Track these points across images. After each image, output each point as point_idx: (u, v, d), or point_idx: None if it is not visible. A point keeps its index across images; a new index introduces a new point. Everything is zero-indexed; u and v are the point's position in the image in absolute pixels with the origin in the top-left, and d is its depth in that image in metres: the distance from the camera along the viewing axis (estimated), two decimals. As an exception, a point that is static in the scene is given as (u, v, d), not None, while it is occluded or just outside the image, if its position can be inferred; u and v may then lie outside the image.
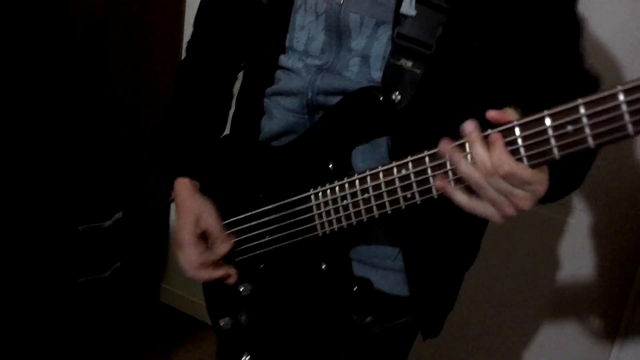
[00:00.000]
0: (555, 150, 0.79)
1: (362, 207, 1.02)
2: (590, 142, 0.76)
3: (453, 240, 1.17)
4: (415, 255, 1.13)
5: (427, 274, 1.16)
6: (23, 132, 2.00)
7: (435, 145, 0.92)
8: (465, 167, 0.86)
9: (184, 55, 1.39)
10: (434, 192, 0.93)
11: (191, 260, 1.21)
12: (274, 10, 1.16)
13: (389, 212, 0.99)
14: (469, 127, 0.86)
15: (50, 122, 2.08)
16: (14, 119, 1.96)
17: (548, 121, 0.79)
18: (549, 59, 1.02)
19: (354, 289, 1.11)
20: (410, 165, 0.94)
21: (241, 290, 1.23)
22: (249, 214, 1.19)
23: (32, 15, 1.94)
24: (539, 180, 0.84)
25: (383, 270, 1.15)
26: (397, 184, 0.96)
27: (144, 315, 2.76)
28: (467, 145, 0.86)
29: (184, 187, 1.26)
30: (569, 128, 0.77)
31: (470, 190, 0.88)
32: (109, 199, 2.38)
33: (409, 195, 0.95)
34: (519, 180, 0.82)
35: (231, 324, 1.27)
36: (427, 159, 0.92)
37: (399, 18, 1.01)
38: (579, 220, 2.00)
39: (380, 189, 0.99)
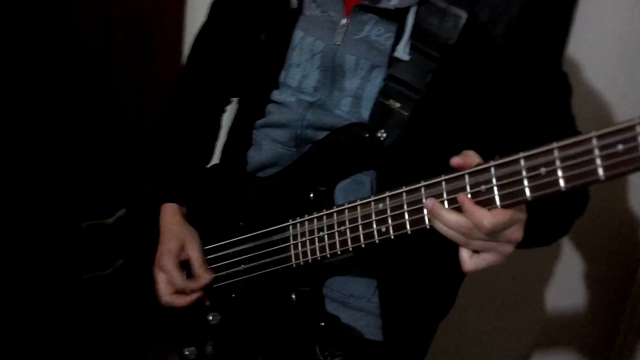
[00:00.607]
0: (527, 191, 0.79)
1: (337, 239, 1.03)
2: (562, 184, 0.76)
3: (430, 287, 1.18)
4: (392, 297, 1.14)
5: (402, 319, 1.16)
6: (27, 129, 2.01)
7: None
8: (442, 228, 0.87)
9: (184, 55, 1.40)
10: (408, 228, 0.93)
11: (170, 285, 1.22)
12: (271, 47, 1.18)
13: (363, 246, 0.99)
14: (430, 203, 0.88)
15: (53, 120, 2.09)
16: (18, 116, 1.96)
17: (522, 162, 0.79)
18: (536, 117, 1.04)
19: (321, 324, 1.10)
20: (387, 200, 0.95)
21: (210, 319, 1.22)
22: (227, 241, 1.20)
23: (36, 16, 1.94)
24: (518, 214, 0.85)
25: (356, 311, 1.16)
26: (373, 217, 0.97)
27: (146, 312, 2.76)
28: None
29: (171, 212, 1.28)
30: (542, 170, 0.77)
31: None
32: (111, 196, 2.38)
33: (383, 230, 0.96)
34: (502, 226, 0.83)
35: (196, 355, 1.26)
36: (404, 194, 0.93)
37: (392, 60, 1.04)
38: (569, 245, 1.99)
39: (357, 222, 0.99)
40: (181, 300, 1.21)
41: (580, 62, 1.74)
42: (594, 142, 0.73)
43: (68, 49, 2.07)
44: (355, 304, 1.16)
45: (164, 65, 2.41)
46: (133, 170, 2.47)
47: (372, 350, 1.17)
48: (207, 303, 1.23)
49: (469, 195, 0.85)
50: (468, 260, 0.88)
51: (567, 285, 2.05)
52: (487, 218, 0.82)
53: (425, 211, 0.91)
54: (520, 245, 0.89)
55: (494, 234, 0.84)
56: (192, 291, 1.21)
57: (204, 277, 1.20)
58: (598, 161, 0.73)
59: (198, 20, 1.41)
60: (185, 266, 1.24)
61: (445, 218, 0.86)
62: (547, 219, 0.97)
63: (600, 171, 0.73)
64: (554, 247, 2.04)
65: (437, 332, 1.26)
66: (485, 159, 1.09)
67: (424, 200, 0.91)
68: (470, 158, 0.86)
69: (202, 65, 1.36)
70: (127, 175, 2.44)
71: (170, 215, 1.28)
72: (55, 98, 2.07)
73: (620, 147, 0.71)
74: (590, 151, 0.73)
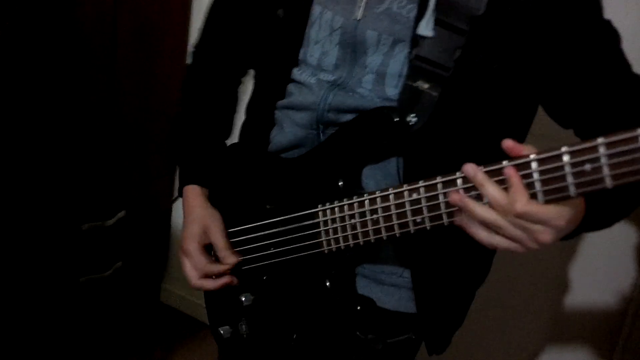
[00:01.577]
0: (572, 188, 0.77)
1: (370, 227, 1.01)
2: (608, 182, 0.74)
3: (463, 260, 1.16)
4: (424, 274, 1.12)
5: (435, 292, 1.15)
6: (27, 130, 2.00)
7: (448, 169, 0.90)
8: (481, 212, 0.84)
9: (189, 57, 1.39)
10: (445, 219, 0.91)
11: (196, 269, 1.21)
12: (289, 23, 1.15)
13: (398, 235, 0.98)
14: (471, 169, 0.85)
15: (54, 121, 2.08)
16: (19, 117, 1.95)
17: (566, 158, 0.77)
18: (590, 71, 0.99)
19: (357, 308, 1.10)
20: (422, 190, 0.93)
21: (243, 299, 1.22)
22: (255, 224, 1.19)
23: (41, 15, 1.93)
24: (556, 215, 0.81)
25: (389, 286, 1.15)
26: (407, 207, 0.95)
27: (144, 315, 2.75)
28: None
29: (194, 194, 1.27)
30: (587, 166, 0.75)
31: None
32: (112, 198, 2.37)
33: (418, 220, 0.94)
34: (533, 219, 0.81)
35: (231, 333, 1.27)
36: (439, 185, 0.91)
37: (416, 37, 1.00)
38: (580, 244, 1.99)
39: (390, 211, 0.97)
40: (210, 284, 1.21)
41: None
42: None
43: (73, 51, 2.06)
44: (387, 279, 1.14)
45: (168, 67, 2.42)
46: (134, 172, 2.46)
47: (404, 323, 1.16)
48: (236, 283, 1.22)
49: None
50: (488, 234, 0.86)
51: (571, 283, 2.06)
52: (522, 201, 0.80)
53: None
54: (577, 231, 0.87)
55: (528, 221, 0.81)
56: (219, 274, 1.20)
57: (228, 260, 1.20)
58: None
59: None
60: (211, 249, 1.24)
61: (488, 189, 0.83)
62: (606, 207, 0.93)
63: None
64: (554, 258, 2.05)
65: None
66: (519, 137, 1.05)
67: (461, 193, 0.88)
68: (523, 147, 0.82)
69: (216, 38, 1.33)
70: (128, 176, 2.43)
71: (192, 198, 1.26)
72: (57, 99, 2.06)
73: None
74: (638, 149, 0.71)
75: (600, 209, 0.90)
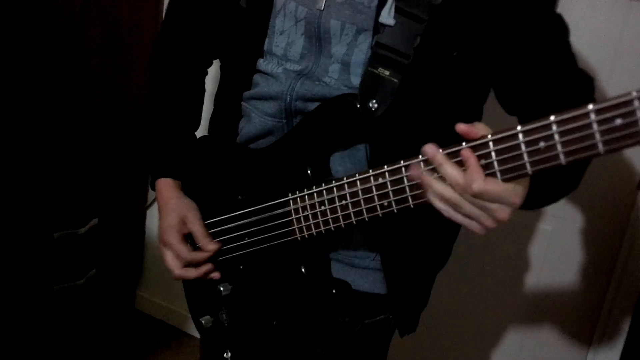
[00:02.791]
0: (528, 166, 0.80)
1: (339, 213, 1.03)
2: (562, 159, 0.77)
3: (427, 244, 1.20)
4: (392, 256, 1.15)
5: (403, 274, 1.18)
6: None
7: (413, 153, 0.92)
8: (438, 187, 0.87)
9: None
10: (410, 202, 0.94)
11: (178, 259, 1.22)
12: (253, 14, 1.16)
13: (367, 220, 1.00)
14: (430, 150, 0.87)
15: (25, 128, 2.07)
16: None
17: (521, 137, 0.80)
18: (538, 61, 1.02)
19: (333, 291, 1.12)
20: (387, 174, 0.95)
21: (221, 289, 1.24)
22: (229, 215, 1.21)
23: (11, 21, 1.93)
24: (512, 193, 0.84)
25: (363, 269, 1.17)
26: (374, 192, 0.98)
27: (120, 322, 2.74)
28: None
29: (167, 187, 1.28)
30: (541, 144, 0.78)
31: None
32: (84, 205, 2.36)
33: (385, 204, 0.97)
34: (490, 196, 0.83)
35: (212, 322, 1.28)
36: (403, 169, 0.93)
37: (378, 28, 1.02)
38: (556, 228, 2.03)
39: (358, 196, 1.00)
40: (193, 272, 1.22)
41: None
42: (592, 116, 0.74)
43: (44, 58, 2.05)
44: (360, 263, 1.17)
45: (141, 74, 2.40)
46: (107, 179, 2.45)
47: (379, 303, 1.18)
48: (216, 276, 1.24)
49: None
50: (447, 207, 0.89)
51: (542, 291, 2.09)
52: (478, 180, 0.82)
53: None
54: (526, 206, 0.89)
55: (481, 201, 0.84)
56: (201, 262, 1.22)
57: (209, 247, 1.21)
58: (597, 136, 0.74)
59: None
60: (190, 238, 1.25)
61: (446, 169, 0.85)
62: (553, 182, 0.97)
63: (600, 146, 0.74)
64: (529, 253, 2.08)
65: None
66: (475, 118, 1.08)
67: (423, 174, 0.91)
68: (477, 129, 0.85)
69: (180, 29, 1.33)
70: (100, 183, 2.42)
71: (167, 190, 1.27)
72: (27, 107, 2.05)
73: (618, 121, 0.72)
74: (589, 125, 0.74)
75: (542, 186, 0.92)
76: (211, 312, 1.28)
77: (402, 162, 0.94)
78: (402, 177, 0.94)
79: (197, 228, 1.22)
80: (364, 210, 1.00)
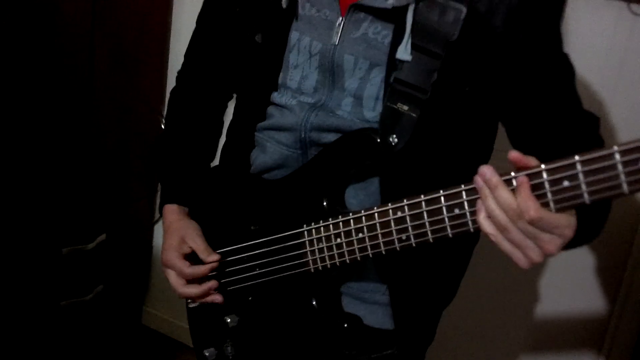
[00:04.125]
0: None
1: (356, 246, 1.04)
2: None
3: (436, 280, 1.20)
4: (401, 292, 1.15)
5: (410, 310, 1.18)
6: (6, 155, 2.00)
7: (424, 187, 0.94)
8: (491, 204, 0.85)
9: (169, 77, 1.41)
10: (430, 236, 0.94)
11: (180, 276, 1.23)
12: (268, 49, 1.17)
13: (384, 253, 1.01)
14: (488, 171, 0.85)
15: (34, 145, 2.08)
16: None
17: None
18: (545, 101, 1.04)
19: (345, 325, 1.12)
20: (406, 208, 0.96)
21: (228, 321, 1.23)
22: (241, 245, 1.21)
23: (18, 35, 1.95)
24: (567, 224, 0.83)
25: (372, 304, 1.17)
26: (393, 226, 0.98)
27: (126, 338, 2.74)
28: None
29: (171, 212, 1.29)
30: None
31: None
32: (92, 221, 2.37)
33: (404, 237, 0.97)
34: (546, 224, 0.82)
35: (216, 355, 1.27)
36: (423, 203, 0.94)
37: (393, 61, 1.04)
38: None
39: (375, 229, 1.00)
40: (197, 290, 1.22)
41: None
42: (617, 156, 0.75)
43: (50, 71, 2.07)
44: (370, 298, 1.17)
45: (148, 90, 2.42)
46: (114, 195, 2.47)
47: (386, 339, 1.18)
48: (220, 299, 1.23)
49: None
50: (495, 230, 0.86)
51: (551, 295, 2.09)
52: (536, 207, 0.81)
53: (447, 221, 0.92)
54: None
55: (535, 228, 0.82)
56: (203, 276, 1.22)
57: (209, 259, 1.21)
58: (622, 177, 0.75)
59: (182, 46, 1.42)
60: (194, 257, 1.25)
61: (501, 193, 0.83)
62: (592, 220, 0.96)
63: (625, 186, 0.75)
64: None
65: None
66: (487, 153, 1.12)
67: (444, 211, 0.92)
68: (528, 159, 0.84)
69: (198, 63, 1.36)
70: (108, 199, 2.43)
71: (171, 214, 1.29)
72: (35, 122, 2.07)
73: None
74: (614, 166, 0.75)
75: (589, 221, 0.92)
76: (216, 344, 1.27)
77: (422, 196, 0.94)
78: (422, 212, 0.94)
79: (197, 243, 1.23)
80: (382, 243, 1.00)
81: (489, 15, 0.99)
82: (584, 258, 2.00)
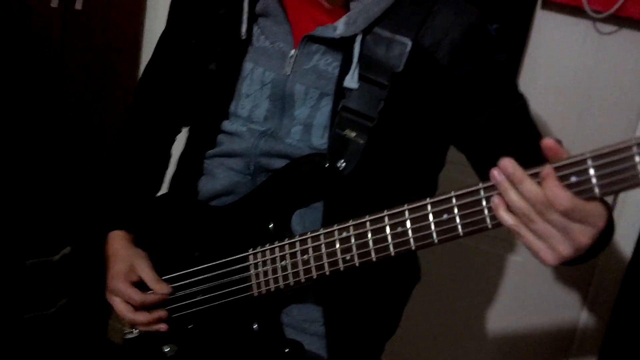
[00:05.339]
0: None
1: (300, 267, 1.04)
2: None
3: (374, 308, 1.21)
4: (337, 320, 1.16)
5: (346, 339, 1.17)
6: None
7: (372, 211, 0.95)
8: (514, 196, 0.81)
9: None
10: (373, 256, 0.96)
11: (128, 304, 1.20)
12: (221, 77, 1.19)
13: (327, 274, 1.01)
14: (510, 164, 0.81)
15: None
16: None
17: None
18: (493, 131, 1.07)
19: (286, 350, 1.12)
20: (351, 228, 0.98)
21: (166, 351, 1.21)
22: (183, 272, 1.19)
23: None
24: (599, 213, 0.79)
25: (311, 335, 1.17)
26: (337, 246, 0.99)
27: (91, 352, 2.70)
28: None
29: (117, 238, 1.26)
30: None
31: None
32: (57, 233, 2.34)
33: (348, 258, 0.98)
34: (579, 214, 0.77)
35: None
36: (368, 223, 0.96)
37: (341, 90, 1.07)
38: (526, 259, 2.04)
39: (320, 250, 1.01)
40: (146, 318, 1.19)
41: (531, 95, 1.83)
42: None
43: (18, 84, 2.05)
44: (310, 328, 1.17)
45: (119, 101, 2.41)
46: (80, 208, 2.44)
47: None
48: (165, 328, 1.20)
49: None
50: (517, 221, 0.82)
51: (512, 322, 2.10)
52: (568, 197, 0.76)
53: (390, 239, 0.93)
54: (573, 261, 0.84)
55: (567, 218, 0.78)
56: (151, 304, 1.18)
57: (161, 290, 1.18)
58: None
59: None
60: (141, 287, 1.22)
61: (526, 185, 0.79)
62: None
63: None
64: (499, 284, 2.09)
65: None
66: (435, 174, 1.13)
67: (387, 230, 0.93)
68: (560, 150, 0.80)
69: (152, 95, 1.37)
70: (73, 212, 2.41)
71: (116, 241, 1.26)
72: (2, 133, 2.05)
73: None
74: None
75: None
76: None
77: (367, 216, 0.96)
78: (367, 231, 0.96)
79: (146, 273, 1.20)
80: (326, 264, 1.01)
81: (433, 49, 1.05)
82: (547, 283, 2.03)
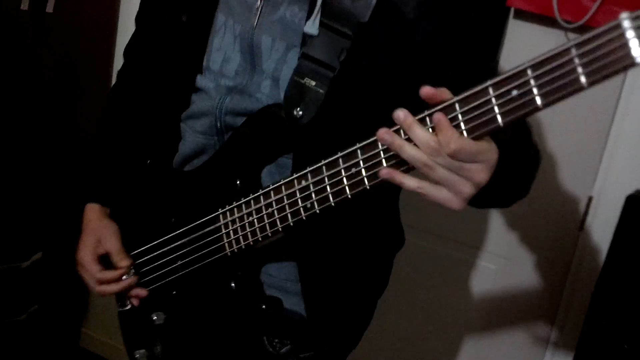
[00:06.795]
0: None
1: (266, 221, 1.04)
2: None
3: (355, 265, 1.19)
4: (313, 277, 1.15)
5: (325, 297, 1.17)
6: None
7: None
8: (410, 150, 0.83)
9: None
10: (331, 200, 0.96)
11: (94, 277, 1.21)
12: (193, 29, 1.18)
13: (292, 224, 1.01)
14: (402, 112, 0.84)
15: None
16: None
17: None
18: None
19: (263, 307, 1.11)
20: (309, 175, 0.98)
21: (154, 319, 1.22)
22: (160, 240, 1.20)
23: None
24: (488, 148, 0.83)
25: (294, 295, 1.16)
26: (298, 195, 1.00)
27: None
28: (402, 131, 0.85)
29: (92, 211, 1.28)
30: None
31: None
32: (28, 239, 2.31)
33: (308, 205, 0.98)
34: (468, 153, 0.81)
35: (147, 356, 1.26)
36: (324, 168, 0.96)
37: (305, 40, 1.05)
38: (500, 267, 2.05)
39: (283, 201, 1.01)
40: (114, 287, 1.21)
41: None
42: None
43: None
44: (292, 287, 1.16)
45: (92, 104, 2.39)
46: (51, 213, 2.41)
47: (304, 328, 1.18)
48: (144, 293, 1.22)
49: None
50: (417, 181, 0.85)
51: (487, 330, 2.09)
52: (455, 139, 0.80)
53: (345, 181, 0.93)
54: (484, 201, 0.88)
55: (459, 161, 0.81)
56: (114, 280, 1.21)
57: (122, 263, 1.21)
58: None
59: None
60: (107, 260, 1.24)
61: (416, 131, 0.82)
62: (511, 173, 0.95)
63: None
64: (473, 292, 2.08)
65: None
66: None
67: (342, 172, 0.93)
68: (442, 92, 0.84)
69: (138, 61, 1.36)
70: (44, 217, 2.38)
71: (90, 213, 1.28)
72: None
73: (514, 92, 0.77)
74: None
75: (508, 157, 0.91)
76: (146, 344, 1.26)
77: (322, 161, 0.96)
78: (324, 177, 0.96)
79: (111, 245, 1.22)
80: (289, 214, 1.01)
81: (400, 2, 1.03)
82: (520, 290, 2.02)
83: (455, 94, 1.03)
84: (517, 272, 2.01)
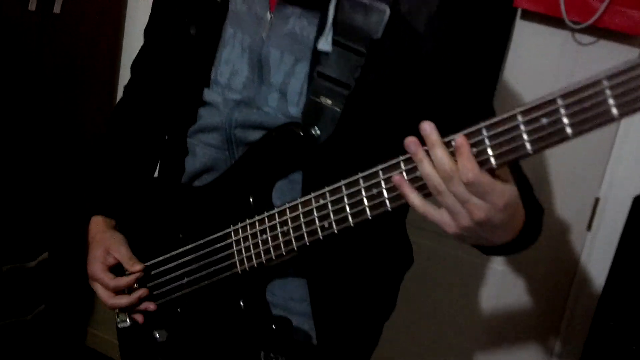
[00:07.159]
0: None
1: (280, 240, 1.03)
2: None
3: (364, 287, 1.19)
4: (323, 299, 1.14)
5: (335, 321, 1.16)
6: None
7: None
8: (428, 167, 0.84)
9: (119, 93, 1.39)
10: (351, 221, 0.94)
11: (108, 286, 1.21)
12: (201, 42, 1.17)
13: (308, 244, 1.00)
14: (428, 126, 0.83)
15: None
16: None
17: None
18: (459, 104, 1.06)
19: (273, 326, 1.10)
20: (327, 194, 0.96)
21: (157, 336, 1.21)
22: (167, 255, 1.19)
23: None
24: (500, 193, 0.82)
25: (299, 315, 1.15)
26: (315, 214, 0.98)
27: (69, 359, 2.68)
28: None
29: (96, 224, 1.28)
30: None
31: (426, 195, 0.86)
32: (34, 239, 2.32)
33: (326, 225, 0.97)
34: (481, 189, 0.81)
35: None
36: (343, 187, 0.94)
37: (317, 56, 1.05)
38: (507, 268, 2.04)
39: (299, 220, 1.00)
40: (126, 300, 1.20)
41: (510, 104, 1.83)
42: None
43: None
44: (296, 307, 1.15)
45: (95, 108, 2.40)
46: (57, 212, 2.42)
47: (316, 354, 1.16)
48: (153, 307, 1.21)
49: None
50: (422, 201, 0.86)
51: (493, 331, 2.09)
52: (476, 170, 0.80)
53: (366, 202, 0.92)
54: (490, 252, 0.90)
55: (469, 193, 0.81)
56: (127, 286, 1.21)
57: (134, 268, 1.20)
58: (525, 136, 0.75)
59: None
60: (119, 271, 1.24)
61: (437, 151, 0.82)
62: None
63: (528, 145, 0.76)
64: (480, 293, 2.08)
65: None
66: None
67: (362, 192, 0.92)
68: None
69: (146, 77, 1.36)
70: (51, 217, 2.38)
71: (95, 226, 1.28)
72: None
73: (544, 120, 0.75)
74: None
75: (533, 221, 0.92)
76: None
77: (342, 181, 0.95)
78: (343, 196, 0.95)
79: (120, 253, 1.22)
80: (305, 234, 0.99)
81: (410, 17, 1.02)
82: (526, 290, 2.02)
83: (454, 113, 1.04)
84: (524, 273, 2.01)
